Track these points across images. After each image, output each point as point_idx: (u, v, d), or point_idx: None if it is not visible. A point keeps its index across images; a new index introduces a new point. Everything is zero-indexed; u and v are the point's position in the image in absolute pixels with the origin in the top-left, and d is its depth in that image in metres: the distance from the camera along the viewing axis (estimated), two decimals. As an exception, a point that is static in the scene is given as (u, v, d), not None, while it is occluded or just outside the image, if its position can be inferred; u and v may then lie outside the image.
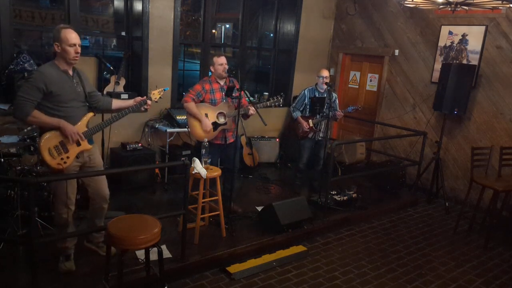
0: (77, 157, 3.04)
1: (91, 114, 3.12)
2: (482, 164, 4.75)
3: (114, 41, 5.78)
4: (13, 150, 3.67)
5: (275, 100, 4.35)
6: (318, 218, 4.51)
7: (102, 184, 3.26)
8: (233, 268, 3.57)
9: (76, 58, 2.95)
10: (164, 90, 3.39)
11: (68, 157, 2.96)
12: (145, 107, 3.27)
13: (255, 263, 3.71)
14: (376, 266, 3.91)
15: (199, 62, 6.18)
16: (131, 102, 3.27)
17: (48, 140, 2.89)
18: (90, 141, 3.13)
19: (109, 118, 3.16)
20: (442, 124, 5.55)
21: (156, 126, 5.26)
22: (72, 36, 2.87)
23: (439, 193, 5.65)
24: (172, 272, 3.32)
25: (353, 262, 3.94)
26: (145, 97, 3.29)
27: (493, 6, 3.82)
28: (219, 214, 3.92)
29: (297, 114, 5.13)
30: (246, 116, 4.24)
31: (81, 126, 3.02)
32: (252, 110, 4.16)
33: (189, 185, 3.55)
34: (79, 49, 2.93)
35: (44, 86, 2.82)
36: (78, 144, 3.00)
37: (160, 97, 3.35)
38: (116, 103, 3.31)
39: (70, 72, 3.01)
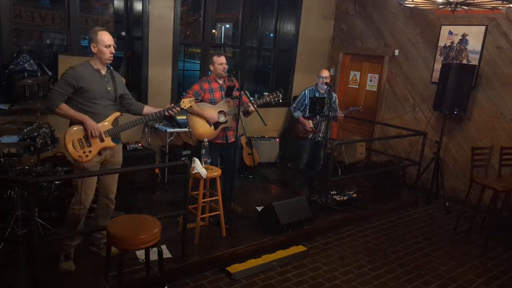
0: (99, 153, 3.12)
1: (117, 113, 3.22)
2: (482, 164, 4.75)
3: (114, 41, 5.77)
4: (13, 150, 3.67)
5: (275, 95, 4.34)
6: (318, 218, 4.52)
7: (112, 181, 3.32)
8: (233, 268, 3.57)
9: (111, 58, 3.12)
10: (194, 100, 3.57)
11: (90, 151, 3.06)
12: (174, 110, 3.37)
13: (255, 263, 3.70)
14: (376, 266, 3.91)
15: (199, 62, 6.17)
16: (160, 109, 3.39)
17: (73, 133, 3.01)
18: (116, 140, 3.22)
19: (136, 119, 3.28)
20: (442, 124, 5.55)
21: (156, 126, 5.26)
22: (107, 38, 3.06)
23: (439, 193, 5.65)
24: (172, 272, 3.32)
25: (353, 262, 3.94)
26: (172, 104, 3.42)
27: (493, 6, 3.82)
28: (219, 214, 3.93)
29: (298, 114, 5.12)
30: (247, 113, 4.24)
31: (106, 124, 3.11)
32: (252, 106, 4.16)
33: (189, 185, 3.55)
34: (113, 50, 3.11)
35: (75, 82, 2.98)
36: (102, 140, 3.09)
37: (190, 106, 3.48)
38: (147, 109, 3.41)
39: (103, 72, 3.16)
